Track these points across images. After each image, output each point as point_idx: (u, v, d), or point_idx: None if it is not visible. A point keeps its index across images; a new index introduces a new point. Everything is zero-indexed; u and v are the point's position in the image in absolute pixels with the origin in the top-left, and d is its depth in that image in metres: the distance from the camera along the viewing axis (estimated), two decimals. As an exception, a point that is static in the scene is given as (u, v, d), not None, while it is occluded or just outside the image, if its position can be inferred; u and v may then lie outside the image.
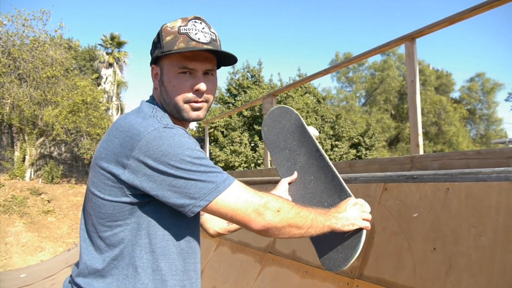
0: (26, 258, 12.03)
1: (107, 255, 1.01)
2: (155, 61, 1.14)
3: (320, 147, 1.46)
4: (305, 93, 19.80)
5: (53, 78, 16.86)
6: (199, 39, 1.09)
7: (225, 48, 1.16)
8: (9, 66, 15.95)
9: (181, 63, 1.09)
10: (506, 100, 34.05)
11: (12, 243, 12.62)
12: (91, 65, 26.78)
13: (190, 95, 1.10)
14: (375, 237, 2.15)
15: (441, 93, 31.54)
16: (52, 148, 20.08)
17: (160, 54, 1.09)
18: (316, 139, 1.53)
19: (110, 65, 26.46)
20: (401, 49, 27.98)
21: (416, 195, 2.04)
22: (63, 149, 20.28)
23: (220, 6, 67.39)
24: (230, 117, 17.87)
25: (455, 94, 34.57)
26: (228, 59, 1.16)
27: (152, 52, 1.15)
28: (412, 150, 3.09)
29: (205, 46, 1.08)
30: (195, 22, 1.11)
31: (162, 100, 1.14)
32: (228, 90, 19.37)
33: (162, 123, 0.99)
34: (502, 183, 1.69)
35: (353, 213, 1.19)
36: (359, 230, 1.21)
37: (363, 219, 1.21)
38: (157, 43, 1.12)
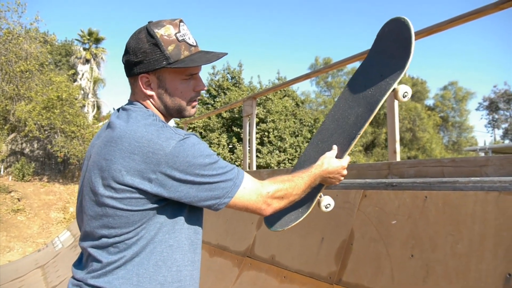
0: (-7, 258, 11.61)
1: (128, 253, 1.04)
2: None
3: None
4: (284, 96, 19.91)
5: (27, 73, 16.39)
6: (193, 43, 1.16)
7: (207, 47, 1.22)
8: (-20, 58, 15.42)
9: (188, 71, 1.15)
10: (477, 109, 35.32)
11: (-22, 242, 12.18)
12: (67, 60, 26.21)
13: (193, 95, 1.20)
14: (354, 243, 2.18)
15: (416, 100, 32.31)
16: (24, 145, 19.50)
17: (173, 66, 1.10)
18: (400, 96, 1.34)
19: (87, 61, 25.96)
20: (379, 56, 28.41)
21: (395, 202, 2.08)
22: (35, 146, 19.71)
23: (201, 6, 67.14)
24: (209, 118, 17.79)
25: (429, 102, 35.56)
26: None
27: (141, 61, 1.11)
28: (390, 157, 3.15)
29: (212, 55, 1.15)
30: (182, 25, 1.15)
31: (162, 105, 1.18)
32: (208, 91, 19.27)
33: (178, 133, 1.05)
34: (478, 192, 1.74)
35: (335, 167, 1.37)
36: (313, 196, 1.42)
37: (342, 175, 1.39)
38: (156, 53, 1.10)
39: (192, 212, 1.14)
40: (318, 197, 1.45)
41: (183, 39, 1.12)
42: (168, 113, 1.20)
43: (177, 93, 1.16)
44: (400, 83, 1.35)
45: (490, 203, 1.67)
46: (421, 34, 3.01)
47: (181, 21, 1.15)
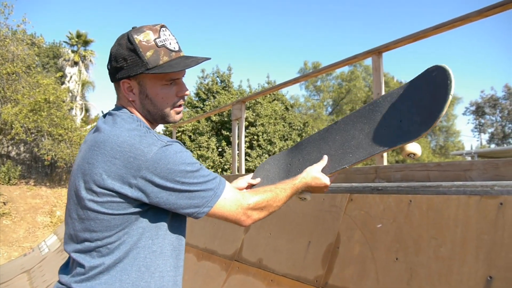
0: (-23, 263, 11.39)
1: (110, 258, 1.04)
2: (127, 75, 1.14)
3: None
4: (274, 99, 19.95)
5: (14, 75, 16.16)
6: (174, 48, 1.16)
7: (195, 53, 1.21)
8: (-35, 60, 15.17)
9: (168, 76, 1.15)
10: (464, 114, 35.83)
11: (-38, 247, 11.94)
12: (55, 62, 25.89)
13: (175, 101, 1.20)
14: (340, 246, 2.20)
15: (404, 105, 32.53)
16: (10, 148, 19.18)
17: (151, 72, 1.10)
18: (412, 156, 1.29)
19: (76, 63, 25.68)
20: (367, 61, 28.78)
21: (380, 206, 2.10)
22: (22, 149, 19.40)
23: (191, 9, 67.11)
24: (198, 121, 17.74)
25: (417, 106, 35.86)
26: None
27: (121, 67, 1.13)
28: (377, 161, 3.18)
29: (192, 60, 1.15)
30: (164, 30, 1.16)
31: (145, 110, 1.18)
32: (197, 94, 19.22)
33: (161, 139, 1.05)
34: (460, 196, 1.78)
35: (318, 184, 1.38)
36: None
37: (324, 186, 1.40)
38: (135, 58, 1.11)
39: (175, 218, 1.14)
40: None
41: (163, 44, 1.13)
42: (152, 118, 1.20)
43: (158, 99, 1.17)
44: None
45: (472, 207, 1.70)
46: (407, 40, 3.06)
47: (162, 26, 1.15)
